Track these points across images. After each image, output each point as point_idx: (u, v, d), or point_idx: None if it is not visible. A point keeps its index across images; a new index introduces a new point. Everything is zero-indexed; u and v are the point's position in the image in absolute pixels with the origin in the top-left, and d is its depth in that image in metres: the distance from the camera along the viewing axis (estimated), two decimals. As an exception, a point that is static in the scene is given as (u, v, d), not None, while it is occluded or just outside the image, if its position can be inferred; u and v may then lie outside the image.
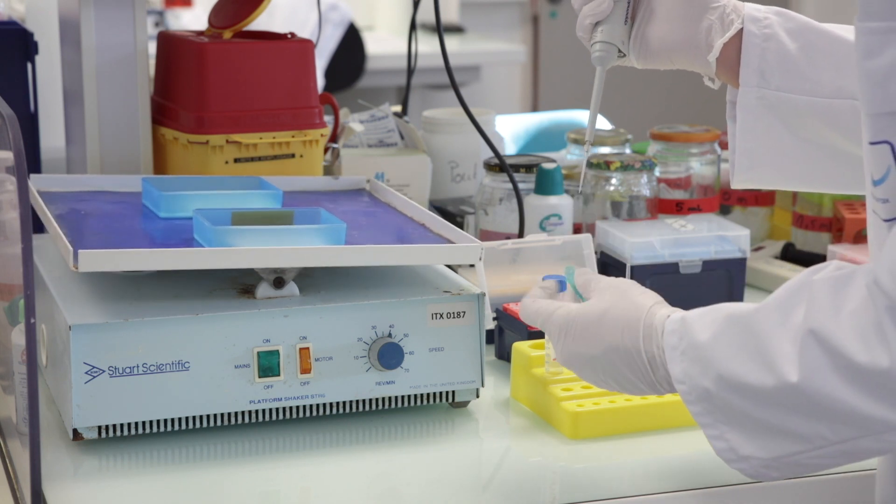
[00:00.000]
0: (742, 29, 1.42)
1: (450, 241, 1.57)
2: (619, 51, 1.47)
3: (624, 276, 1.77)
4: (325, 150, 1.90)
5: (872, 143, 1.16)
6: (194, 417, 1.44)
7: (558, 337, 1.31)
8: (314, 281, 1.54)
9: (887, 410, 1.09)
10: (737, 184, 1.49)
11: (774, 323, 1.15)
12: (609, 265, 1.86)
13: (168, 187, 1.66)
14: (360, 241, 1.54)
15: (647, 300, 1.27)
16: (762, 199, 2.17)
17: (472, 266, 1.66)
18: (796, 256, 2.08)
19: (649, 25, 1.45)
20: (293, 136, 1.84)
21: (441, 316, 1.50)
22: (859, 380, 1.09)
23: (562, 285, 1.39)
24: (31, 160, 1.93)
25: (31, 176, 1.70)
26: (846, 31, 1.41)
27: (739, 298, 1.88)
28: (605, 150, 2.12)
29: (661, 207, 2.01)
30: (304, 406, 1.47)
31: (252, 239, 1.46)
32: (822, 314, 1.11)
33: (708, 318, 1.20)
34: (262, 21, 1.93)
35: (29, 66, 2.01)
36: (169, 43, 1.89)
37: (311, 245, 1.48)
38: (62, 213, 1.61)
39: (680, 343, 1.21)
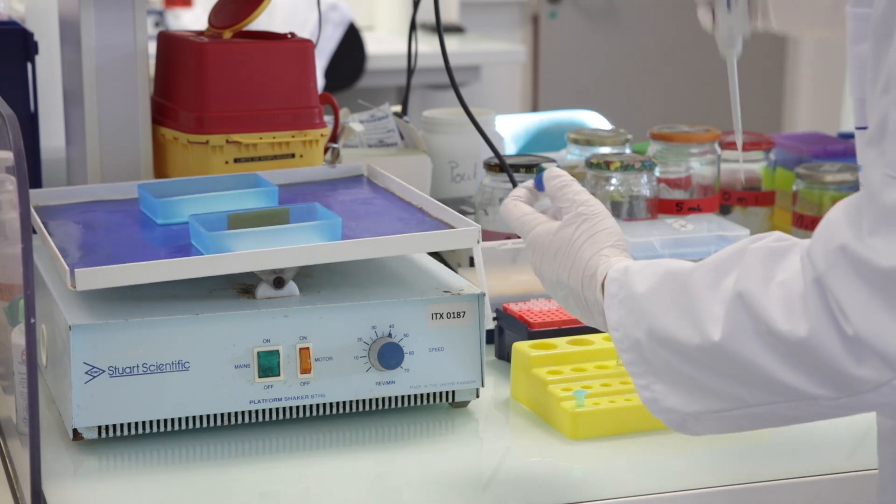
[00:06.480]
0: None
1: (449, 226, 1.57)
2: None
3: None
4: (325, 150, 1.90)
5: (858, 129, 1.17)
6: (194, 417, 1.44)
7: (531, 253, 1.36)
8: (314, 281, 1.54)
9: (800, 379, 1.10)
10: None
11: (707, 284, 1.17)
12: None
13: (164, 192, 1.65)
14: (358, 232, 1.54)
15: (595, 246, 1.30)
16: (762, 199, 2.17)
17: (472, 266, 1.66)
18: (796, 256, 2.08)
19: None
20: (293, 136, 1.84)
21: (441, 316, 1.50)
22: (778, 347, 1.10)
23: (539, 184, 1.39)
24: (31, 160, 1.93)
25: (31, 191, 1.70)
26: None
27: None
28: (605, 150, 2.12)
29: (661, 207, 2.01)
30: (304, 406, 1.47)
31: (247, 241, 1.46)
32: (753, 280, 1.13)
33: (649, 271, 1.23)
34: (262, 21, 1.93)
35: (29, 66, 2.01)
36: (169, 43, 1.89)
37: (307, 243, 1.47)
38: (61, 228, 1.61)
39: (619, 292, 1.24)
